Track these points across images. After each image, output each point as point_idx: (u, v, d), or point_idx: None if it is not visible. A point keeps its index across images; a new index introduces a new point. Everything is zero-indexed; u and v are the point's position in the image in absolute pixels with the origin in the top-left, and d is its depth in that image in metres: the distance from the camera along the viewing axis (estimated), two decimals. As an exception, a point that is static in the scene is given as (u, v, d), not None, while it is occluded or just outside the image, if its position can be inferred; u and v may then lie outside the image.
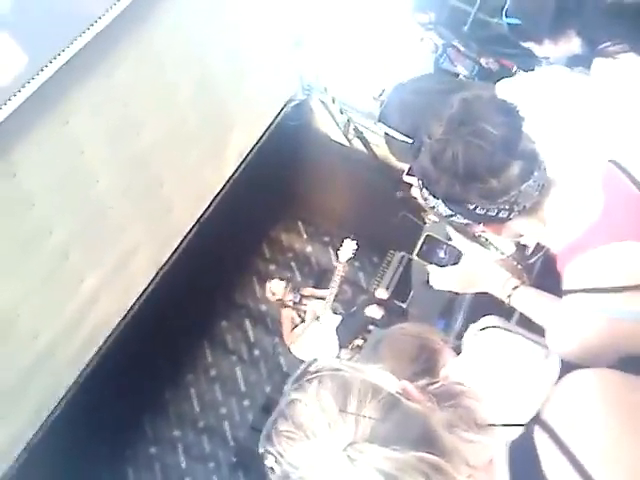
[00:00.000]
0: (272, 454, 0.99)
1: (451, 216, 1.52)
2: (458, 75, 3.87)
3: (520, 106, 1.46)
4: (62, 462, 4.02)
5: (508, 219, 1.47)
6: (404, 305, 4.86)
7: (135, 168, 3.30)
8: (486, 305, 1.81)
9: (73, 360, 3.52)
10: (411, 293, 4.81)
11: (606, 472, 0.96)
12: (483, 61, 3.99)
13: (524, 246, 1.79)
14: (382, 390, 0.99)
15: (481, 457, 1.05)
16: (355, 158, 4.74)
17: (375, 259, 5.62)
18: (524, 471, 1.02)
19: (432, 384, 1.13)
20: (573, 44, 2.26)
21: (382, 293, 4.87)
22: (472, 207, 1.44)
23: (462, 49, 4.04)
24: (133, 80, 3.05)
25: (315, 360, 1.07)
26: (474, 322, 1.85)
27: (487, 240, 1.79)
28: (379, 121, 2.03)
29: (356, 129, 4.54)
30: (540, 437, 1.03)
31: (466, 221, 1.52)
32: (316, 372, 1.03)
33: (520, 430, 1.08)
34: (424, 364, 1.55)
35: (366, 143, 4.60)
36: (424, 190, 1.52)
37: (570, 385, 1.09)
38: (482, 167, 1.38)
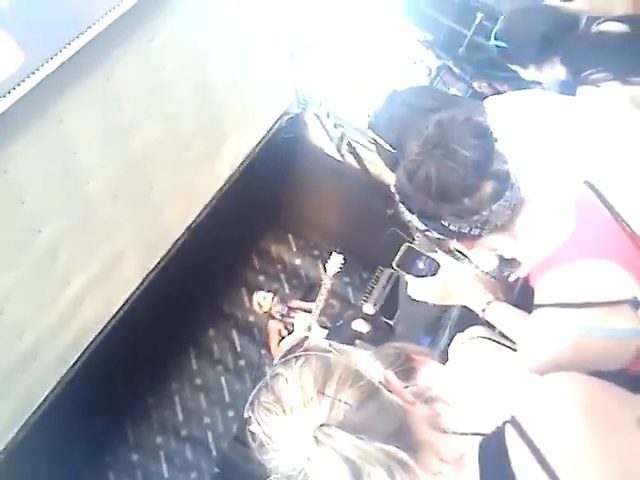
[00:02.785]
0: (253, 421, 1.04)
1: (426, 231, 1.57)
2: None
3: (494, 127, 1.51)
4: (42, 465, 4.00)
5: (480, 236, 1.52)
6: (391, 322, 4.87)
7: (127, 172, 3.32)
8: (472, 323, 1.83)
9: (57, 362, 3.50)
10: (398, 311, 4.82)
11: (574, 474, 0.98)
12: (476, 85, 4.05)
13: (507, 260, 1.82)
14: (363, 378, 1.03)
15: (453, 452, 1.06)
16: (347, 173, 4.77)
17: (364, 275, 5.65)
18: (494, 468, 1.03)
19: (406, 387, 1.15)
20: (557, 71, 2.32)
21: (369, 308, 4.89)
22: (445, 224, 1.50)
23: (457, 71, 4.10)
24: (130, 84, 3.08)
25: (306, 338, 1.12)
26: (461, 332, 1.88)
27: (462, 255, 1.82)
28: (368, 127, 2.08)
29: (349, 144, 4.58)
30: (511, 435, 1.05)
31: (440, 236, 1.56)
32: (305, 350, 1.07)
33: (493, 427, 1.10)
34: (400, 368, 1.57)
35: (359, 159, 4.63)
36: (400, 205, 1.57)
37: (542, 387, 1.11)
38: (454, 188, 1.43)
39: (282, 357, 1.08)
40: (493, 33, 2.44)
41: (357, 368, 1.04)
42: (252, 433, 1.05)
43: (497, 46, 2.43)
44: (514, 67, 2.46)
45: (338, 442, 0.95)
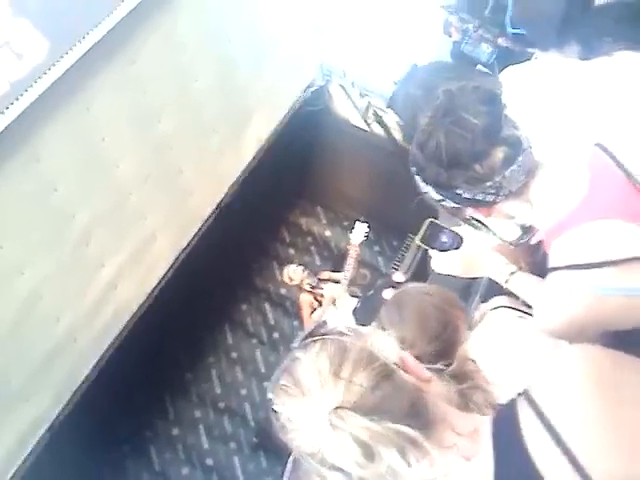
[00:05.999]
0: (275, 403, 1.07)
1: (442, 200, 1.58)
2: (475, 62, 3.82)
3: (507, 96, 1.51)
4: (84, 444, 4.08)
5: (495, 202, 1.53)
6: (422, 290, 4.85)
7: (155, 154, 3.34)
8: (500, 290, 1.84)
9: (94, 343, 3.59)
10: (429, 278, 4.80)
11: (586, 448, 0.98)
12: (500, 41, 3.95)
13: (527, 228, 1.82)
14: (378, 359, 1.05)
15: (468, 425, 1.08)
16: (375, 143, 4.74)
17: (395, 243, 5.63)
18: (506, 441, 1.05)
19: (448, 366, 1.19)
20: (575, 49, 2.26)
21: (399, 277, 4.85)
22: (459, 192, 1.51)
23: (482, 34, 4.01)
24: (154, 66, 3.09)
25: (324, 322, 1.14)
26: (484, 302, 1.89)
27: (482, 224, 1.82)
28: (388, 106, 2.08)
29: (375, 113, 4.54)
30: (523, 409, 1.06)
31: (456, 205, 1.57)
32: (322, 334, 1.09)
33: (508, 398, 1.11)
34: (443, 343, 1.60)
35: (385, 127, 4.59)
36: (417, 177, 1.58)
37: (555, 360, 1.10)
38: (464, 154, 1.45)
39: (301, 341, 1.11)
40: (508, 19, 2.37)
41: (372, 349, 1.07)
42: (275, 412, 1.08)
43: (514, 34, 2.36)
44: (533, 50, 2.39)
45: (351, 425, 0.98)
